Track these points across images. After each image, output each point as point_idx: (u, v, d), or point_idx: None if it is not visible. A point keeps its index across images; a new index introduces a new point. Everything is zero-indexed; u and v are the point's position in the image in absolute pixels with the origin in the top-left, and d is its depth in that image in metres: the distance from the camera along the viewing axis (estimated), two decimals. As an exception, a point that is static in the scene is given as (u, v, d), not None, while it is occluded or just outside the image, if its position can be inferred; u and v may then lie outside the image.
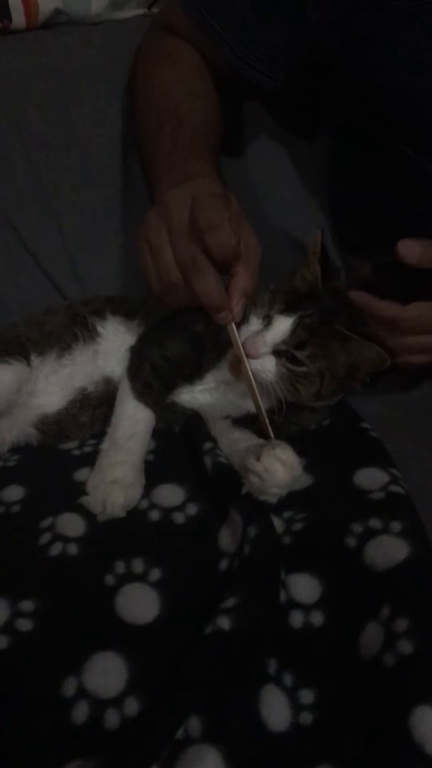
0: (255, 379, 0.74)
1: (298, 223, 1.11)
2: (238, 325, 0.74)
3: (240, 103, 1.09)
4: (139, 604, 0.63)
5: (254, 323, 0.76)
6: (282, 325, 0.73)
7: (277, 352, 0.74)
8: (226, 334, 0.74)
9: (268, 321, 0.75)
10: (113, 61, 1.07)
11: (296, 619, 0.61)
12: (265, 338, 0.73)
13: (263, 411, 0.74)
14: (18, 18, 1.05)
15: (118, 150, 1.06)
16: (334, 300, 0.76)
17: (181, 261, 0.70)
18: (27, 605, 0.62)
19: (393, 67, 0.82)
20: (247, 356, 0.73)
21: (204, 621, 0.59)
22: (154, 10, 1.16)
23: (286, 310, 0.74)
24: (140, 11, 1.16)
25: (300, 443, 0.74)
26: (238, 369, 0.76)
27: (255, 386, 0.74)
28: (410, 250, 0.73)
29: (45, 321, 0.90)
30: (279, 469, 0.68)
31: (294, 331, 0.73)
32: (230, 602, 0.58)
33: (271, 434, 0.74)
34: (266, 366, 0.74)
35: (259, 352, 0.73)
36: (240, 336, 0.74)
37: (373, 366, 0.73)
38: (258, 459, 0.69)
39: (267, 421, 0.74)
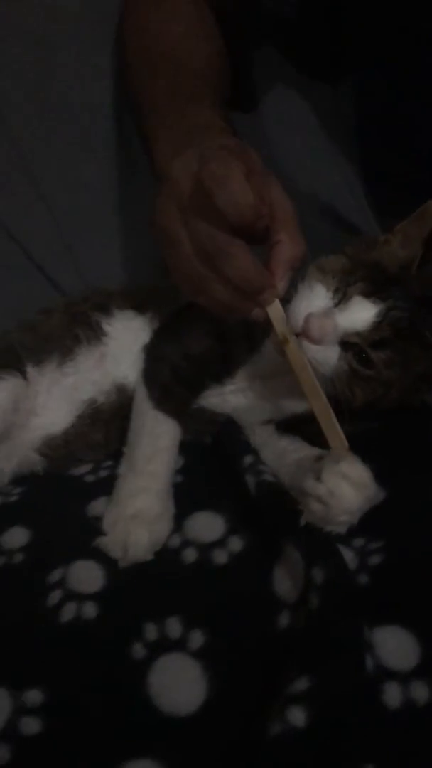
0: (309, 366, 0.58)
1: (325, 184, 0.99)
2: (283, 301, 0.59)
3: (249, 49, 0.95)
4: (180, 685, 0.48)
5: (320, 295, 0.59)
6: (363, 312, 0.58)
7: (344, 344, 0.58)
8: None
9: (342, 297, 0.59)
10: (96, 14, 0.93)
11: (392, 694, 0.45)
12: (337, 322, 0.57)
13: (327, 406, 0.57)
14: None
15: (110, 117, 0.93)
16: (427, 296, 0.60)
17: (201, 247, 0.56)
18: (33, 697, 0.48)
19: None
20: (308, 339, 0.57)
21: (267, 706, 0.44)
22: None
23: (372, 293, 0.58)
24: None
25: (362, 447, 0.58)
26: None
27: (311, 371, 0.58)
28: None
29: (40, 323, 0.77)
30: (348, 490, 0.53)
31: (377, 324, 0.57)
32: (302, 684, 0.43)
33: (344, 441, 0.57)
34: (328, 357, 0.58)
35: (327, 338, 0.57)
36: (297, 308, 0.58)
37: None
38: (318, 478, 0.54)
39: (336, 422, 0.57)
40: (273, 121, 0.99)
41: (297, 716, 0.41)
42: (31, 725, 0.46)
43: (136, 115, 0.81)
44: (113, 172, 0.93)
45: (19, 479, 0.72)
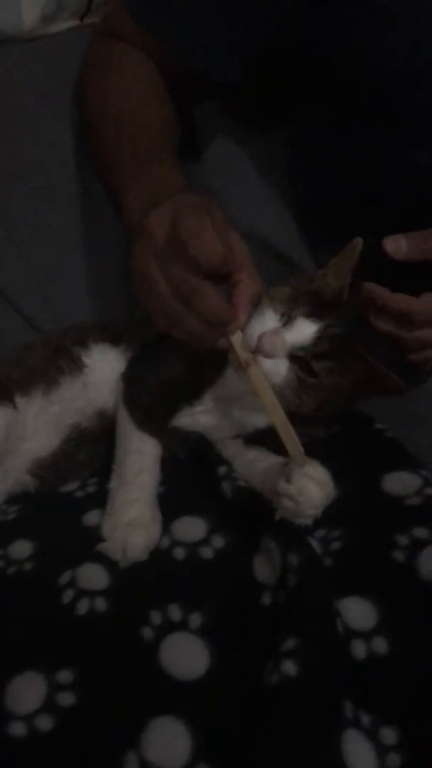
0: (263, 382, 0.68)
1: (263, 224, 1.08)
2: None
3: (193, 106, 1.04)
4: (186, 656, 0.58)
5: (270, 318, 0.68)
6: (306, 330, 0.67)
7: (291, 357, 0.68)
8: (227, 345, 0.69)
9: (288, 320, 0.68)
10: (54, 78, 1.02)
11: (358, 649, 0.57)
12: (285, 338, 0.68)
13: (286, 420, 0.67)
14: None
15: (72, 169, 1.02)
16: (357, 316, 0.70)
17: (176, 288, 0.65)
18: (65, 676, 0.56)
19: (356, 46, 0.79)
20: (262, 353, 0.67)
21: (261, 667, 0.54)
22: (87, 20, 1.12)
23: (312, 315, 0.68)
24: (73, 23, 1.12)
25: (314, 455, 0.68)
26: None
27: (270, 390, 0.67)
28: (396, 246, 0.69)
29: (25, 357, 0.84)
30: (313, 489, 0.64)
31: (318, 339, 0.67)
32: (291, 644, 0.54)
33: (301, 449, 0.68)
34: (279, 368, 0.68)
35: (277, 352, 0.67)
36: (251, 330, 0.68)
37: (384, 394, 0.69)
38: (288, 480, 0.64)
39: (294, 433, 0.67)
40: (215, 169, 1.08)
41: (289, 668, 0.52)
42: (66, 698, 0.55)
43: (101, 172, 0.88)
44: (77, 217, 1.01)
45: (13, 499, 0.79)
